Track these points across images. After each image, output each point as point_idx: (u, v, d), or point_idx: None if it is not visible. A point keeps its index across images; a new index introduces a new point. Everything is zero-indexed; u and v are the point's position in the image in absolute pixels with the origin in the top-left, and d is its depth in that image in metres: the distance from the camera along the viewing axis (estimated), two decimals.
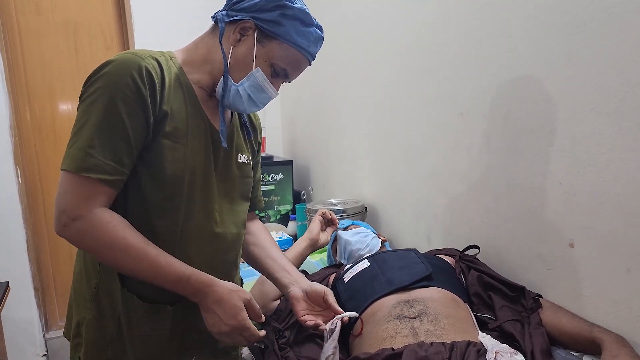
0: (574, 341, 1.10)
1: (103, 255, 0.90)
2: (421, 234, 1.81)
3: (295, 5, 0.99)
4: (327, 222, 1.69)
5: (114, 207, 0.92)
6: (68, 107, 2.75)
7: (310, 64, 1.05)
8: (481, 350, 0.94)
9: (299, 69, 1.05)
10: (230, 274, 1.12)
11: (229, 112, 1.13)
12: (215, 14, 1.04)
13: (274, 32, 0.97)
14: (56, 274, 2.81)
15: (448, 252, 1.47)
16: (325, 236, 1.64)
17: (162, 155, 0.94)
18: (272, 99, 1.05)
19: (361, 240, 1.62)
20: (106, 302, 0.98)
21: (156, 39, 2.64)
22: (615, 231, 1.07)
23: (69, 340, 1.05)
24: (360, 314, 1.19)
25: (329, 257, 1.75)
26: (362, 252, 1.58)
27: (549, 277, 1.25)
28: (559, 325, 1.13)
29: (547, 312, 1.17)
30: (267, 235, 1.28)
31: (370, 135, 2.13)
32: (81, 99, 0.90)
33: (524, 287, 1.24)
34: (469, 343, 0.96)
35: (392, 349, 0.97)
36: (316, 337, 1.19)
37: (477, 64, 1.44)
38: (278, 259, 1.21)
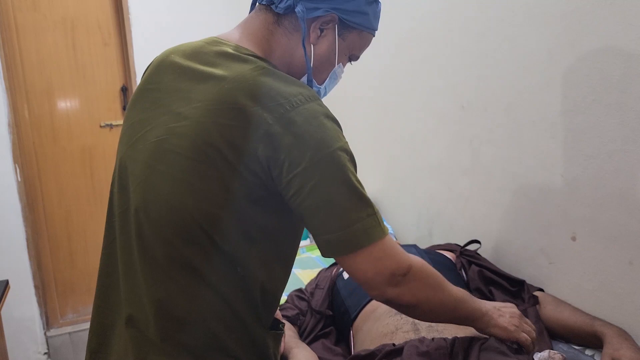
0: (575, 335, 1.10)
1: (430, 299, 0.83)
2: (423, 228, 1.80)
3: None
4: None
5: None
6: (66, 104, 2.73)
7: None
8: (484, 344, 0.94)
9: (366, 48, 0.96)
10: None
11: None
12: (276, 3, 0.84)
13: (357, 22, 0.86)
14: (56, 272, 2.81)
15: (449, 247, 1.47)
16: None
17: None
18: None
19: None
20: (256, 342, 0.84)
21: (154, 35, 2.63)
22: (617, 224, 1.06)
23: None
24: (360, 310, 1.19)
25: None
26: None
27: (551, 271, 1.25)
28: (561, 319, 1.13)
29: (549, 306, 1.16)
30: None
31: (371, 129, 2.12)
32: (305, 169, 0.74)
33: (524, 281, 1.24)
34: (472, 339, 0.96)
35: (393, 344, 0.97)
36: (323, 337, 1.20)
37: (478, 55, 1.43)
38: None
